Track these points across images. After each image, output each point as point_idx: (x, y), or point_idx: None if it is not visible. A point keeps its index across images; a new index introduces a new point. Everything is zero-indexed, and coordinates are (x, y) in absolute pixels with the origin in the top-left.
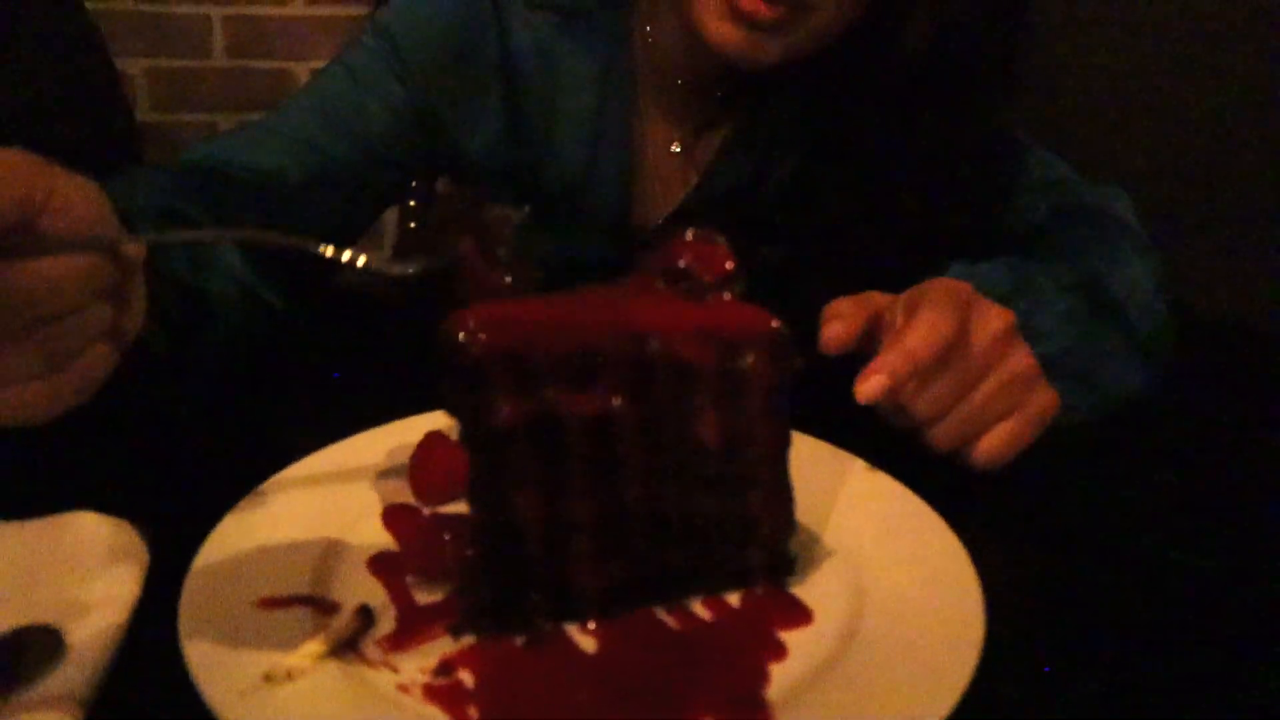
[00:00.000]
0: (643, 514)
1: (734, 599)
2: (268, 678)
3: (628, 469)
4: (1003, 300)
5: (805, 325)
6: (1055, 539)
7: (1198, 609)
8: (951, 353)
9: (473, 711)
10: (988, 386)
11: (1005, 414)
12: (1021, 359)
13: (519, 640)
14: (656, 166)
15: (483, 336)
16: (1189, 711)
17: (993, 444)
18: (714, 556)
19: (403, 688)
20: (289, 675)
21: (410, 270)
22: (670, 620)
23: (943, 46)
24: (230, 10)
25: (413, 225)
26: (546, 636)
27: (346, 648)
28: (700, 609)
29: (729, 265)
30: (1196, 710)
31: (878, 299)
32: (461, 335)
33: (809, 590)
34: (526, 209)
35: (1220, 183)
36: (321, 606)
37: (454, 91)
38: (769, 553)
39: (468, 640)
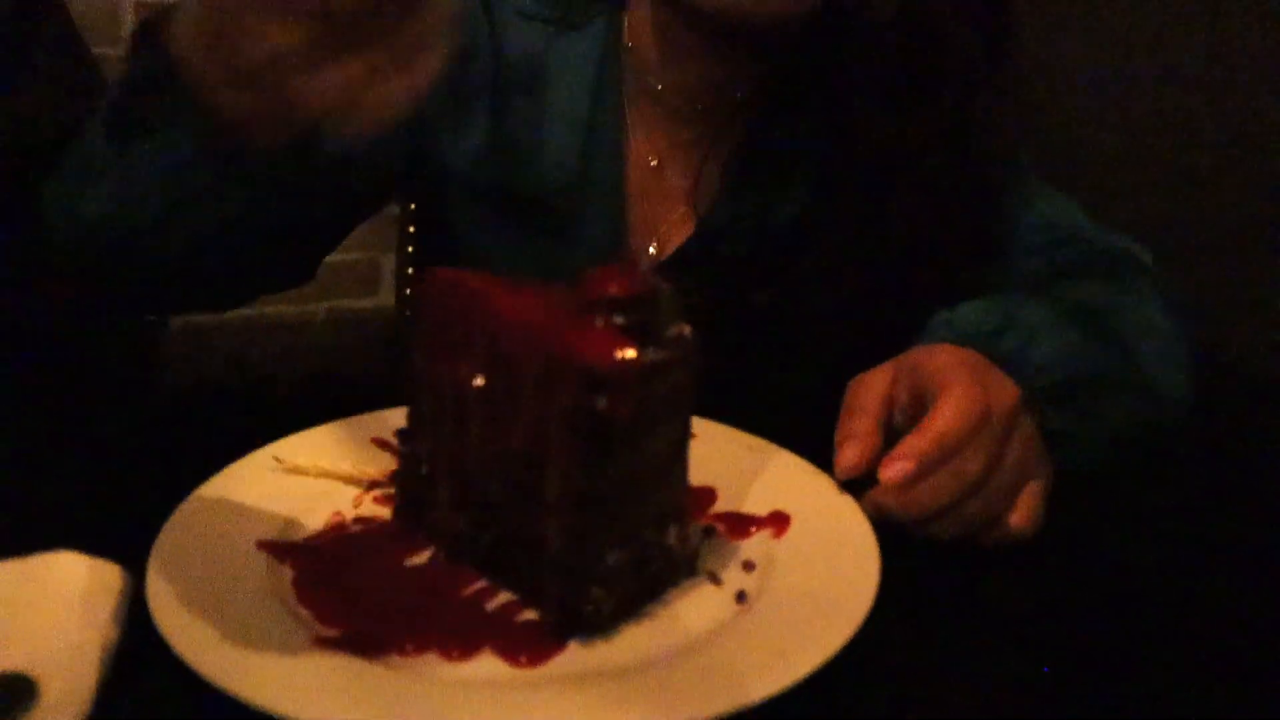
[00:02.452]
0: (478, 486)
1: (530, 614)
2: (277, 458)
3: (474, 439)
4: (988, 338)
5: (789, 368)
6: (1054, 541)
7: (1196, 609)
8: (977, 433)
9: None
10: (1008, 463)
11: (1021, 488)
12: (1028, 429)
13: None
14: (640, 184)
15: (429, 291)
16: (1189, 711)
17: (1023, 519)
18: (512, 558)
19: (335, 515)
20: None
21: None
22: (472, 587)
23: (911, 23)
24: None
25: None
26: (406, 537)
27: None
28: (500, 598)
29: (625, 292)
30: (1197, 710)
31: (877, 396)
32: (413, 294)
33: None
34: None
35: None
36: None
37: (443, 102)
38: (559, 592)
39: (385, 512)
